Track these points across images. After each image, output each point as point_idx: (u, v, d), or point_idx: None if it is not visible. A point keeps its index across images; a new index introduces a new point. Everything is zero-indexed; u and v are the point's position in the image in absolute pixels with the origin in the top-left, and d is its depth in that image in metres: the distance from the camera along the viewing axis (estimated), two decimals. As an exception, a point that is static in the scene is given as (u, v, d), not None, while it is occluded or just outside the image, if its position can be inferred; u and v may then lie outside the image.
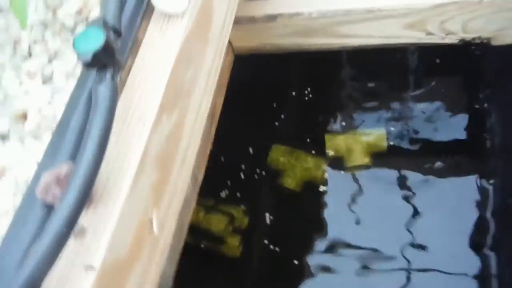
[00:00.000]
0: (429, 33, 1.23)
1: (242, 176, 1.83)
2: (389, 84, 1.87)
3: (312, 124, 1.90)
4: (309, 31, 1.25)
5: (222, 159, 1.86)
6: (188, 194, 0.89)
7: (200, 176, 1.12)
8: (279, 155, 1.79)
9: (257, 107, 1.97)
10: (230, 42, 1.31)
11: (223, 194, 1.79)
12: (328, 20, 1.21)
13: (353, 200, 1.73)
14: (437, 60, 1.83)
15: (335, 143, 1.80)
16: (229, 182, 1.82)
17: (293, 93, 1.98)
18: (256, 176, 1.81)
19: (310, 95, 2.00)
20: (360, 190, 1.74)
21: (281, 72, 1.97)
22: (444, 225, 1.58)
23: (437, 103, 1.83)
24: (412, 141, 1.80)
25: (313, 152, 1.80)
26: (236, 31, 1.19)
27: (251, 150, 1.86)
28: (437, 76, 1.84)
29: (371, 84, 1.90)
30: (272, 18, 1.22)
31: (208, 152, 1.17)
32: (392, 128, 1.83)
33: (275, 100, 1.99)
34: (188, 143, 0.84)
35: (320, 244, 1.67)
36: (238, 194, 1.78)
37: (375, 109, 1.85)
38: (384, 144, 1.77)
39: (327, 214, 1.72)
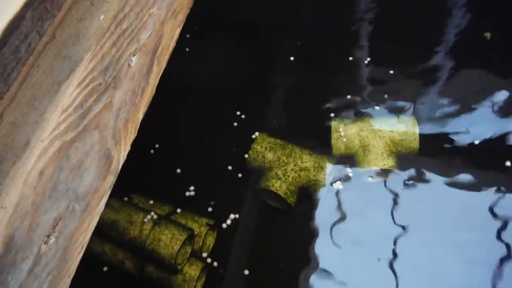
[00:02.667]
0: None
1: (208, 173, 1.27)
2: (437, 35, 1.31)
3: (313, 104, 1.36)
4: None
5: (180, 143, 1.30)
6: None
7: (121, 151, 0.57)
8: (265, 148, 1.25)
9: (234, 64, 1.37)
10: None
11: (181, 197, 1.23)
12: None
13: (368, 217, 1.19)
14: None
15: (345, 137, 1.27)
16: (190, 181, 1.26)
17: (293, 47, 1.36)
18: (230, 175, 1.26)
19: (315, 53, 1.36)
20: (378, 204, 1.20)
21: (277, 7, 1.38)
22: None
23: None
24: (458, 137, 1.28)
25: (313, 147, 1.26)
26: None
27: (225, 136, 1.30)
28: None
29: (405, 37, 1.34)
30: None
31: (142, 109, 0.63)
32: (428, 118, 1.30)
33: (265, 56, 1.36)
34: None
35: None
36: (202, 199, 1.23)
37: (407, 91, 1.31)
38: (416, 141, 1.23)
39: (328, 240, 1.17)
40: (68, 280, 0.55)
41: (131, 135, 0.64)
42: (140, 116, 0.67)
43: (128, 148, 0.63)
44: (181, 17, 0.76)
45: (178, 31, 0.76)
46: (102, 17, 0.56)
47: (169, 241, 1.13)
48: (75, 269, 0.56)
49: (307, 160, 1.22)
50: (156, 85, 0.69)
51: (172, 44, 0.74)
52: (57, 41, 0.54)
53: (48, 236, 0.51)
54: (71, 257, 0.55)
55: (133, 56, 0.62)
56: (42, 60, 0.52)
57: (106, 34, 0.56)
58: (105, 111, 0.58)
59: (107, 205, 1.20)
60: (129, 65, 0.61)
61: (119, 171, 0.63)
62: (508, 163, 1.19)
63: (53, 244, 0.52)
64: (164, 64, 0.71)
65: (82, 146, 0.55)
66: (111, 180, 0.61)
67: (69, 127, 0.52)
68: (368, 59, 1.39)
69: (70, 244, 0.55)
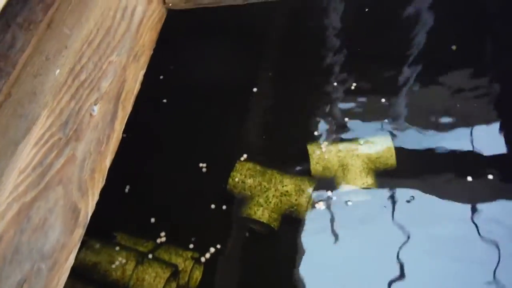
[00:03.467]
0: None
1: (192, 206, 1.27)
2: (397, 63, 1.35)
3: (291, 129, 1.37)
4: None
5: (157, 181, 1.29)
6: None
7: (89, 202, 0.56)
8: (244, 176, 1.24)
9: (206, 99, 1.39)
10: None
11: (163, 234, 1.22)
12: None
13: (350, 237, 1.18)
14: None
15: (323, 158, 1.27)
16: (172, 216, 1.25)
17: (263, 77, 1.41)
18: (212, 206, 1.25)
19: (291, 75, 1.37)
20: (360, 223, 1.20)
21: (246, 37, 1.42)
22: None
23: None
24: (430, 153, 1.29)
25: (293, 170, 1.26)
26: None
27: (202, 167, 1.30)
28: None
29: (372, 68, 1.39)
30: None
31: (108, 156, 0.62)
32: (403, 133, 1.31)
33: (240, 91, 1.38)
34: None
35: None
36: (186, 234, 1.22)
37: (379, 108, 1.33)
38: (392, 157, 1.24)
39: (314, 262, 1.16)
40: None
41: (99, 183, 0.63)
42: (108, 163, 0.66)
43: (96, 197, 0.62)
44: (144, 59, 0.76)
45: (142, 73, 0.75)
46: (58, 71, 0.56)
47: (152, 280, 1.11)
48: (46, 329, 0.55)
49: (288, 183, 1.22)
50: (122, 130, 0.69)
51: (137, 86, 0.74)
52: (12, 99, 0.54)
53: (13, 300, 0.50)
54: (41, 318, 0.54)
55: (95, 105, 0.62)
56: (-3, 121, 0.52)
57: (63, 88, 0.56)
58: (68, 165, 0.57)
59: (88, 247, 1.18)
60: (91, 114, 0.61)
61: (88, 221, 0.61)
62: (490, 176, 1.20)
63: (19, 308, 0.51)
64: (129, 108, 0.71)
65: (44, 204, 0.54)
66: (79, 232, 0.60)
67: (28, 187, 0.52)
68: (345, 79, 1.41)
69: (38, 305, 0.54)
